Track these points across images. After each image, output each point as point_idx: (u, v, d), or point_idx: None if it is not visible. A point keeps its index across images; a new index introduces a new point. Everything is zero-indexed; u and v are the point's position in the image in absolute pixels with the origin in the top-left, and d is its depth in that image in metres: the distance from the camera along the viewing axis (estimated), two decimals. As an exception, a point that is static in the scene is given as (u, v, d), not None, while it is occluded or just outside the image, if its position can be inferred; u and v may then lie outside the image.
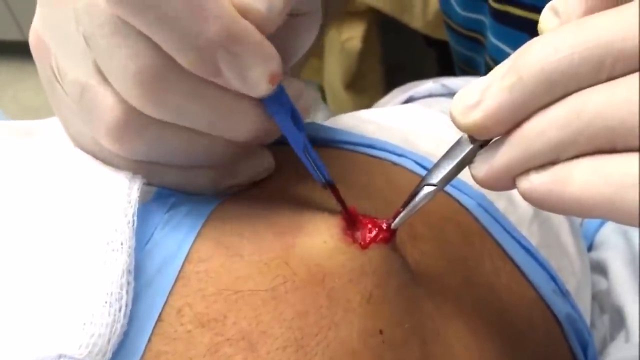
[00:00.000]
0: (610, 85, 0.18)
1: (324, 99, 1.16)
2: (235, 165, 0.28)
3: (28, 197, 0.25)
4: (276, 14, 0.22)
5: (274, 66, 0.22)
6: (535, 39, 0.20)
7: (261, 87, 0.22)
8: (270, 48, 0.22)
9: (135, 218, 0.24)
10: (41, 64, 0.26)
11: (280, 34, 0.24)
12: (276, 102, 0.24)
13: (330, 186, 0.27)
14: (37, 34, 0.26)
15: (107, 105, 0.23)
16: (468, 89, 0.21)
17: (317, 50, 0.99)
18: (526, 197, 0.21)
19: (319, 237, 0.26)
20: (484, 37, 0.64)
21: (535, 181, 0.20)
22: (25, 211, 0.24)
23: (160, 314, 0.22)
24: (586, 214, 0.19)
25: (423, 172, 0.28)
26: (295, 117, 0.25)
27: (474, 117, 0.21)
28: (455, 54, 0.74)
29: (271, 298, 0.23)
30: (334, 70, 0.99)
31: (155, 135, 0.24)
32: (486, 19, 0.61)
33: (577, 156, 0.19)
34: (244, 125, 0.24)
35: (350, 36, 0.93)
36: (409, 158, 0.35)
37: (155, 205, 0.26)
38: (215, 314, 0.23)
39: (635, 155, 0.18)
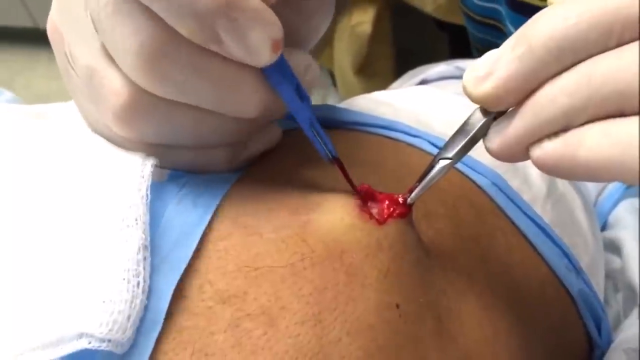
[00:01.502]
0: (618, 50, 0.19)
1: (334, 84, 1.15)
2: (246, 142, 0.28)
3: (43, 178, 0.25)
4: None
5: (274, 32, 0.21)
6: (543, 9, 0.20)
7: (263, 54, 0.22)
8: (270, 14, 0.21)
9: (149, 192, 0.24)
10: (58, 52, 0.26)
11: (292, 17, 0.24)
12: (279, 73, 0.24)
13: (337, 161, 0.27)
14: (53, 22, 0.26)
15: (114, 88, 0.23)
16: (479, 61, 0.22)
17: (327, 36, 0.99)
18: (539, 164, 0.21)
19: (336, 214, 0.26)
20: (503, 25, 0.63)
21: (547, 148, 0.21)
22: (40, 191, 0.25)
23: (181, 290, 0.23)
24: (598, 177, 0.20)
25: (437, 153, 0.29)
26: (300, 92, 0.25)
27: (486, 87, 0.21)
28: (472, 37, 0.73)
29: (290, 274, 0.24)
30: (344, 55, 0.98)
31: (163, 116, 0.24)
32: (502, 8, 0.61)
33: (588, 122, 0.20)
34: (248, 100, 0.24)
35: (361, 20, 0.92)
36: (423, 139, 0.36)
37: (168, 184, 0.26)
38: (235, 290, 0.23)
39: None
